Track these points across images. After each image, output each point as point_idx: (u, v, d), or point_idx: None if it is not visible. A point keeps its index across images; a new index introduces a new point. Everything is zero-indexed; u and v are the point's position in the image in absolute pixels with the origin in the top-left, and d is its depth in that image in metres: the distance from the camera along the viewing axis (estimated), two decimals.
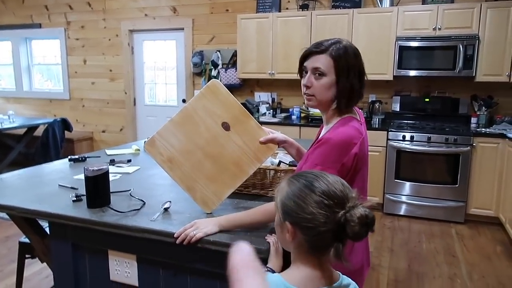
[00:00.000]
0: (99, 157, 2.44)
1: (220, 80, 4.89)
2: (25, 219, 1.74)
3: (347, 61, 1.26)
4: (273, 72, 4.56)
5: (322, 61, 1.25)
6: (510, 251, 3.26)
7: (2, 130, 5.13)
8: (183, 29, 5.23)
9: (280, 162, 1.71)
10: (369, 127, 4.06)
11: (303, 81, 1.31)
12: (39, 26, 6.04)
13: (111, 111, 5.82)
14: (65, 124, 5.55)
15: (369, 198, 1.23)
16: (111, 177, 1.76)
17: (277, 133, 1.51)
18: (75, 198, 1.59)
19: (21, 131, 5.37)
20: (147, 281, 1.45)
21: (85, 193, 1.53)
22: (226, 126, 1.48)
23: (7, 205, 1.58)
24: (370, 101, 4.44)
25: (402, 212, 4.01)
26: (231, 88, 4.93)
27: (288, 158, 1.73)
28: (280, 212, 0.89)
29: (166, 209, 1.49)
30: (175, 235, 1.28)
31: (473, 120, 4.05)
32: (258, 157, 1.48)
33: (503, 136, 3.61)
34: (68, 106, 6.08)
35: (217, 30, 5.07)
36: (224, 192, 1.48)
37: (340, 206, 0.83)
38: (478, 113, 4.04)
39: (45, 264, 1.91)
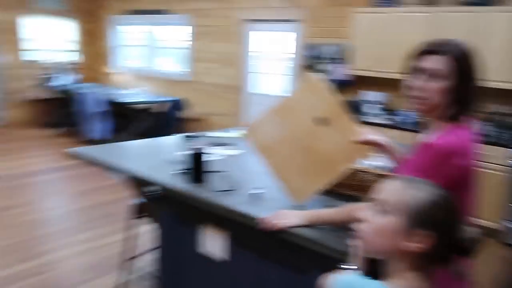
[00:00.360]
0: (206, 137, 2.64)
1: (331, 75, 4.85)
2: (139, 183, 1.99)
3: (469, 65, 1.18)
4: (386, 70, 4.35)
5: (442, 62, 1.17)
6: None
7: (131, 104, 5.88)
8: (297, 21, 5.28)
9: (379, 166, 1.66)
10: (487, 140, 3.66)
11: (416, 82, 1.23)
12: (170, 12, 6.65)
13: (223, 95, 6.18)
14: (182, 104, 6.09)
15: (482, 222, 1.14)
16: (214, 158, 1.90)
17: (376, 135, 1.47)
18: (178, 171, 1.76)
19: (146, 106, 6.07)
20: (236, 257, 1.55)
21: (188, 168, 1.69)
22: (324, 122, 1.49)
23: (125, 169, 1.83)
24: (493, 111, 3.97)
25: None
26: (341, 84, 4.85)
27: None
28: (413, 218, 0.83)
29: (258, 195, 1.57)
30: (257, 221, 1.35)
31: None
32: (353, 156, 1.46)
33: None
34: (188, 88, 6.62)
35: (331, 24, 5.00)
36: (315, 187, 1.49)
37: (461, 219, 0.85)
38: None
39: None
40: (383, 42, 4.34)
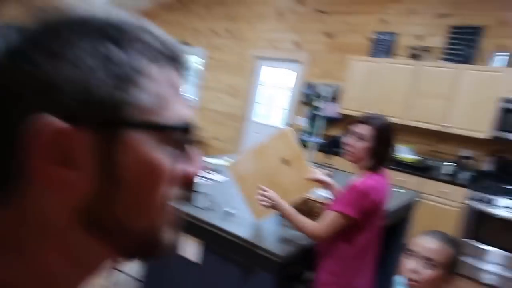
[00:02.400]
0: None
1: (321, 112, 5.36)
2: None
3: (384, 134, 1.68)
4: (370, 112, 4.81)
5: (365, 129, 1.68)
6: None
7: None
8: (300, 61, 5.84)
9: (327, 198, 2.14)
10: (448, 180, 4.17)
11: (345, 140, 1.75)
12: (188, 44, 7.30)
13: (226, 122, 6.72)
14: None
15: None
16: (203, 182, 2.39)
17: (321, 175, 1.95)
18: None
19: None
20: (207, 260, 2.01)
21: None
22: (286, 162, 1.98)
23: None
24: (460, 156, 4.41)
25: (467, 274, 3.89)
26: (330, 120, 5.35)
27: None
28: (451, 268, 1.33)
29: (230, 213, 2.04)
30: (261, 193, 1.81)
31: None
32: (304, 189, 1.94)
33: None
34: (196, 113, 7.19)
35: (329, 67, 5.55)
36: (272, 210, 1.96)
37: None
38: None
39: None
40: (372, 88, 4.86)
